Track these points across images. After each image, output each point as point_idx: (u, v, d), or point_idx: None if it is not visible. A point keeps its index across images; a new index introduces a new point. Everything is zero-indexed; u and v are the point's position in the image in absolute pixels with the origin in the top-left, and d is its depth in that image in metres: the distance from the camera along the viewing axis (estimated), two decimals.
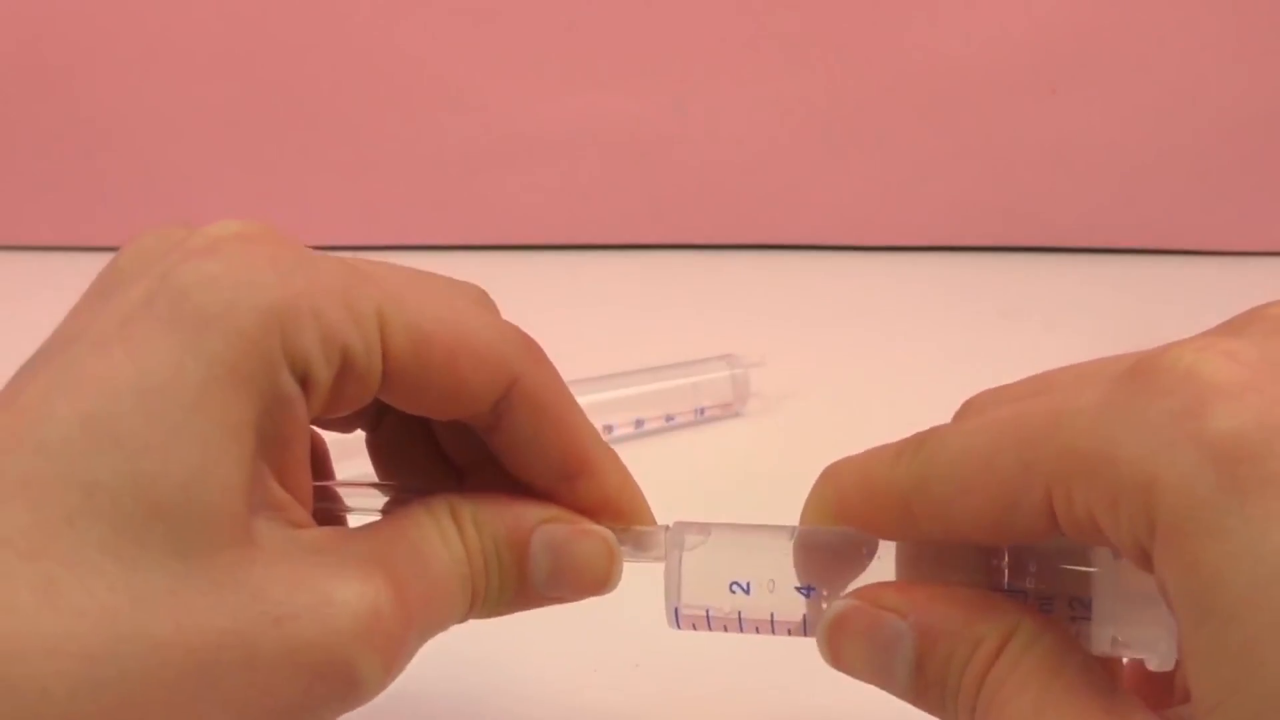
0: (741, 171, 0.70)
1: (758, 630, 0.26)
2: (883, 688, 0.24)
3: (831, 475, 0.25)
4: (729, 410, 0.51)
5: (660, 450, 0.49)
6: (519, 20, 0.67)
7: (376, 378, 0.23)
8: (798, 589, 0.25)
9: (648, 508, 0.27)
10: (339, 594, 0.22)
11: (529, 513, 0.26)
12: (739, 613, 0.26)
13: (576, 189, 0.70)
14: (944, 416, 0.26)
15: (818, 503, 0.25)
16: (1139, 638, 0.23)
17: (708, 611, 0.26)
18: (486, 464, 0.27)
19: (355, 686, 0.22)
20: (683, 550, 0.26)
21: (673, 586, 0.26)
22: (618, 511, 0.27)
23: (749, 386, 0.51)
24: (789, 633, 0.26)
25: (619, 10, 0.66)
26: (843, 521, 0.25)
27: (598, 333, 0.58)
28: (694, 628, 0.26)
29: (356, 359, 0.23)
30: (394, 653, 0.23)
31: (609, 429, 0.48)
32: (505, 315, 0.27)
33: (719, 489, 0.45)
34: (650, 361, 0.50)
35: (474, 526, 0.25)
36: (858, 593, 0.24)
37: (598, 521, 0.26)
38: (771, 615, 0.26)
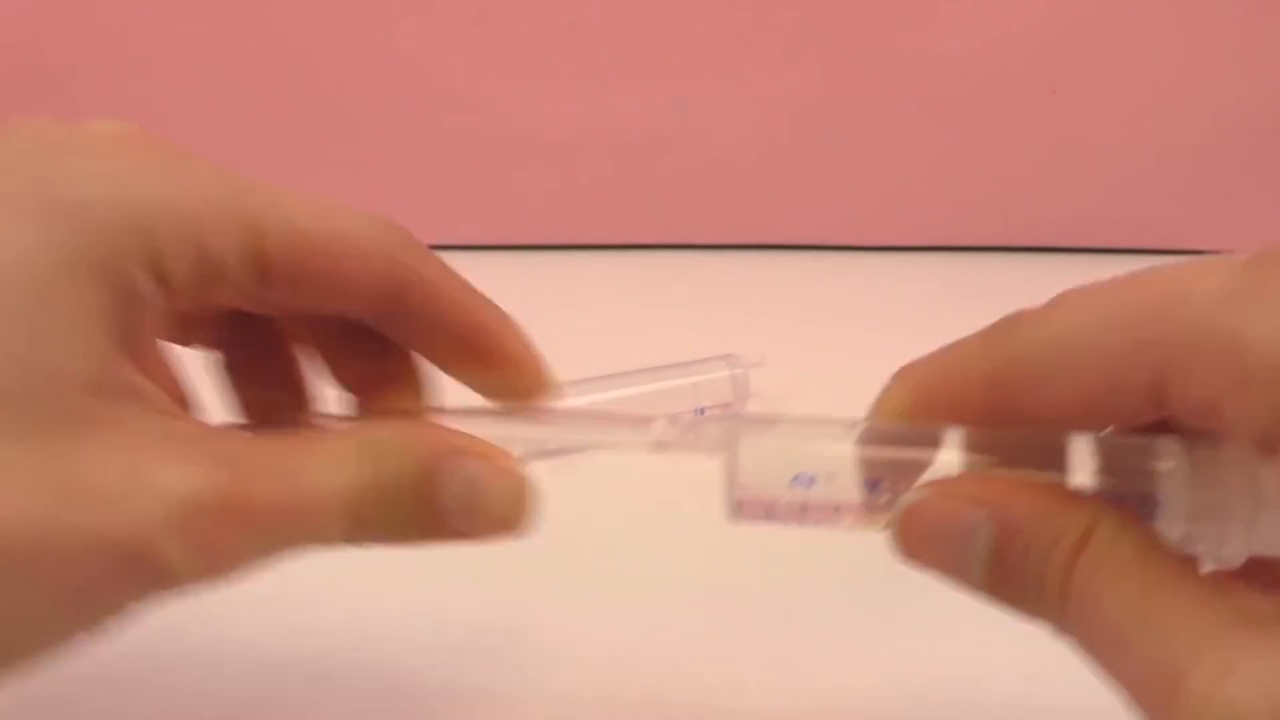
0: (741, 171, 0.70)
1: (819, 523, 0.25)
2: (955, 580, 0.23)
3: (907, 371, 0.24)
4: (729, 410, 0.51)
5: None
6: (519, 20, 0.66)
7: (249, 278, 0.23)
8: (862, 482, 0.25)
9: (547, 368, 0.27)
10: (157, 480, 0.21)
11: (441, 442, 0.25)
12: (802, 505, 0.25)
13: (576, 189, 0.70)
14: None
15: (894, 398, 0.24)
16: (1207, 535, 0.22)
17: (768, 503, 0.25)
18: (384, 384, 0.27)
19: (163, 574, 0.22)
20: (741, 441, 0.25)
21: (731, 478, 0.25)
22: (519, 371, 0.27)
23: (749, 386, 0.51)
24: (852, 525, 0.25)
25: (619, 10, 0.66)
26: (921, 415, 0.24)
27: (598, 333, 0.58)
28: (754, 519, 0.26)
29: (223, 257, 0.23)
30: (212, 548, 0.22)
31: None
32: None
33: (719, 489, 0.44)
34: (650, 361, 0.50)
35: (375, 452, 0.24)
36: (933, 484, 0.24)
37: (512, 395, 0.26)
38: (837, 507, 0.25)
